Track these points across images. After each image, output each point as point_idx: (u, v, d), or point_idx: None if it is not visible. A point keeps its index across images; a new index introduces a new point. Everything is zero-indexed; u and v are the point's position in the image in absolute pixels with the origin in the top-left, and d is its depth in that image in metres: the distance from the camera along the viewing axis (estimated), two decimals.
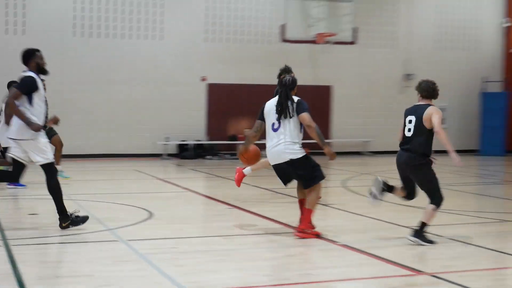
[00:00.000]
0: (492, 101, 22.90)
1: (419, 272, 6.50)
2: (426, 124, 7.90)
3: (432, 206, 7.80)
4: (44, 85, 8.54)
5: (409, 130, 7.97)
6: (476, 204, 12.18)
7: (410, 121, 8.03)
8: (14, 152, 8.41)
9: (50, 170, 8.34)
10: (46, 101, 8.64)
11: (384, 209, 10.01)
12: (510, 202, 12.08)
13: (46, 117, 9.17)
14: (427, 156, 7.88)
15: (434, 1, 23.64)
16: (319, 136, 7.98)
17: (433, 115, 7.90)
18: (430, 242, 7.76)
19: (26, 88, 8.20)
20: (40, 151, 8.25)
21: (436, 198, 7.84)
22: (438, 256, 7.28)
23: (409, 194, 8.24)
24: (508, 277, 6.52)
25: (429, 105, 8.09)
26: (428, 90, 8.16)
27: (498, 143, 22.75)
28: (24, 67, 8.42)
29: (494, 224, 9.50)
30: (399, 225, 9.10)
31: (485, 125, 22.94)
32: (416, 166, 7.86)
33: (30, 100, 8.20)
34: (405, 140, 8.01)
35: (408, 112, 8.17)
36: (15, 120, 8.28)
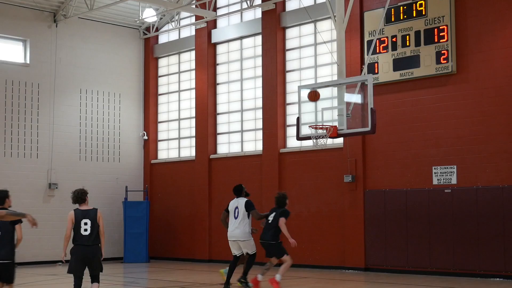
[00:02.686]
0: (135, 209, 23.70)
1: None
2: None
3: None
4: None
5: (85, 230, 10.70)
6: None
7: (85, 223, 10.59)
8: None
9: None
10: None
11: None
12: None
13: None
14: None
15: (77, 113, 24.04)
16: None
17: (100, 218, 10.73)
18: None
19: None
20: None
21: None
22: None
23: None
24: None
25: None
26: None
27: (142, 250, 23.46)
28: None
29: None
30: None
31: (128, 232, 23.53)
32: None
33: None
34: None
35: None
36: None
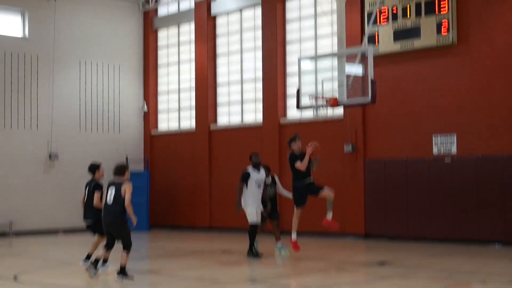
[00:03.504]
0: (135, 180, 23.73)
1: None
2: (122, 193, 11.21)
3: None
4: None
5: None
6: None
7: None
8: None
9: None
10: None
11: None
12: (154, 275, 12.53)
13: None
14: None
15: (77, 84, 24.06)
16: None
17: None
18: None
19: None
20: None
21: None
22: None
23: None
24: None
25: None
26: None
27: (143, 219, 23.60)
28: None
29: None
30: None
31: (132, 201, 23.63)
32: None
33: None
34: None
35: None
36: None
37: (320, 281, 11.10)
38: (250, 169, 14.76)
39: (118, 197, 11.12)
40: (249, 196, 14.60)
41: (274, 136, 21.50)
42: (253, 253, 14.53)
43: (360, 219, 19.28)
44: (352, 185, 19.48)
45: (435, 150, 17.91)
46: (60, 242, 20.01)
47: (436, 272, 12.00)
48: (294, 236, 13.54)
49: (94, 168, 13.34)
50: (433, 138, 17.94)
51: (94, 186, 13.02)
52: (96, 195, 12.77)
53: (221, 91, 23.82)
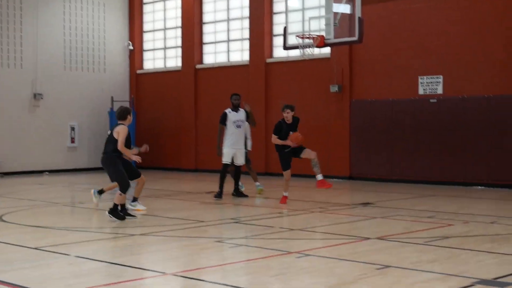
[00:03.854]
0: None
1: None
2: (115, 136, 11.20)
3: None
4: None
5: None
6: (108, 220, 12.44)
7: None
8: None
9: None
10: None
11: (11, 231, 9.97)
12: (140, 216, 12.54)
13: None
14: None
15: (61, 23, 23.67)
16: None
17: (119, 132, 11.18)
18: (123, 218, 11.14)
19: None
20: None
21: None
22: (62, 276, 7.29)
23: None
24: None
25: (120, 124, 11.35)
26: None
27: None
28: None
29: (126, 239, 9.81)
30: (29, 247, 8.92)
31: None
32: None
33: None
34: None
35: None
36: None
37: (304, 222, 11.15)
38: (228, 110, 14.69)
39: (111, 139, 11.30)
40: (227, 137, 14.64)
41: (260, 75, 21.33)
42: (237, 193, 14.63)
43: (345, 161, 19.32)
44: (337, 125, 19.45)
45: (420, 91, 17.83)
46: (46, 182, 20.00)
47: (419, 213, 12.08)
48: (284, 193, 13.60)
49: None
50: (419, 78, 17.84)
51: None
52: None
53: (208, 30, 23.49)
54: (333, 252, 8.42)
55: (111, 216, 11.24)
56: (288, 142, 13.04)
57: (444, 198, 14.63)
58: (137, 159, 11.47)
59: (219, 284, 6.81)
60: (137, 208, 12.45)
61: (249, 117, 14.82)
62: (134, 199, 12.54)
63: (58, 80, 23.50)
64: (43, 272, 7.47)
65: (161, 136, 24.43)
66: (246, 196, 14.77)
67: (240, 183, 15.18)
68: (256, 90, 21.40)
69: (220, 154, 14.74)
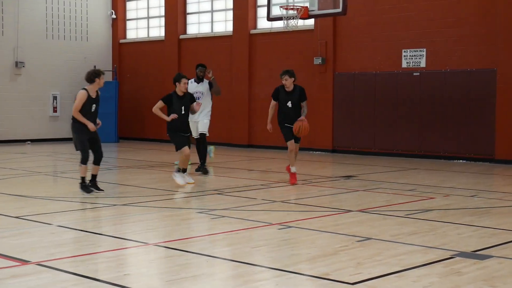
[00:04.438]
0: (104, 89, 23.28)
1: (24, 262, 6.42)
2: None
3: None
4: None
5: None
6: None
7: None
8: None
9: None
10: None
11: None
12: (123, 186, 12.53)
13: None
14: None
15: None
16: None
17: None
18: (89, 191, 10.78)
19: None
20: None
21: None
22: (44, 245, 7.27)
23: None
24: (117, 259, 6.76)
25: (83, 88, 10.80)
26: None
27: (111, 130, 23.47)
28: None
29: (108, 209, 9.80)
30: (10, 216, 8.89)
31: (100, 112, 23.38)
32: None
33: None
34: None
35: None
36: None
37: (286, 194, 11.19)
38: (191, 80, 14.16)
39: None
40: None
41: (244, 46, 21.23)
42: (202, 169, 14.06)
43: (327, 133, 19.36)
44: (321, 98, 19.43)
45: (404, 64, 17.85)
46: (28, 152, 19.88)
47: (400, 186, 12.16)
48: (292, 169, 12.44)
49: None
50: (403, 52, 17.84)
51: None
52: None
53: (191, 0, 23.30)
54: (315, 224, 8.46)
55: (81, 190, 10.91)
56: (294, 128, 12.18)
57: (425, 172, 14.73)
58: (91, 127, 10.71)
59: (201, 254, 6.82)
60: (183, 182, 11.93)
61: (212, 87, 14.29)
62: (181, 170, 12.06)
63: (40, 48, 23.27)
64: (24, 241, 7.45)
65: (143, 106, 24.29)
66: (207, 172, 13.97)
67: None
68: (239, 61, 21.30)
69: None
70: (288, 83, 12.35)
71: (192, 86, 14.11)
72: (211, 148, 15.57)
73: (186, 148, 11.93)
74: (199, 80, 14.30)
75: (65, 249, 7.06)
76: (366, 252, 6.88)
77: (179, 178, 11.92)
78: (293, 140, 12.42)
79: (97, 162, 11.06)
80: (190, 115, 13.72)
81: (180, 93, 11.87)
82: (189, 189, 11.72)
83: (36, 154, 19.15)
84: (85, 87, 10.88)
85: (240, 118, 21.33)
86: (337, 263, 6.42)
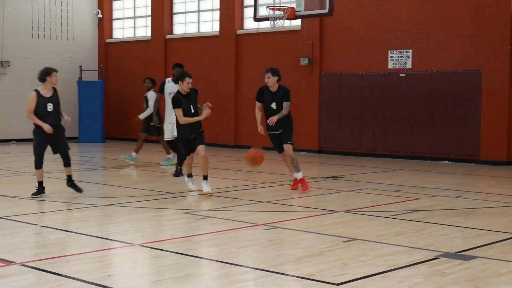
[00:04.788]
0: (90, 89, 23.42)
1: (8, 262, 6.38)
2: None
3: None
4: None
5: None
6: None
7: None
8: None
9: None
10: None
11: None
12: (109, 187, 12.48)
13: None
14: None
15: None
16: None
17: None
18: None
19: None
20: None
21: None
22: (28, 245, 7.23)
23: None
24: (102, 260, 6.74)
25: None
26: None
27: (97, 130, 23.39)
28: None
29: (93, 209, 9.75)
30: None
31: (83, 112, 23.36)
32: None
33: None
34: None
35: None
36: None
37: (272, 194, 11.18)
38: (168, 79, 14.03)
39: None
40: (166, 111, 14.01)
41: (231, 47, 21.21)
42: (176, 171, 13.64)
43: (314, 134, 19.38)
44: (307, 98, 19.45)
45: (390, 65, 17.90)
46: (13, 151, 19.76)
47: (386, 186, 12.19)
48: (295, 175, 11.53)
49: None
50: (389, 53, 17.89)
51: None
52: None
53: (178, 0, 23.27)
54: (301, 224, 8.46)
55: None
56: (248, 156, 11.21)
57: (411, 172, 14.77)
58: (47, 128, 10.40)
59: (186, 255, 6.81)
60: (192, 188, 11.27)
61: None
62: (190, 175, 11.35)
63: (26, 48, 23.13)
64: (9, 241, 7.41)
65: (129, 106, 24.21)
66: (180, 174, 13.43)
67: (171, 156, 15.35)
68: (226, 62, 21.29)
69: (156, 123, 14.53)
70: (271, 81, 11.45)
71: (169, 86, 13.86)
72: (172, 159, 15.59)
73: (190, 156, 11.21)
74: (174, 80, 13.78)
75: (49, 249, 7.02)
76: (352, 253, 6.89)
77: (190, 183, 11.26)
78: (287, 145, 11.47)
79: (66, 164, 10.85)
80: (167, 116, 13.72)
81: (183, 92, 10.99)
82: (176, 189, 11.69)
83: (21, 154, 19.03)
84: (37, 88, 10.64)
85: (227, 118, 21.31)
86: (323, 264, 6.42)
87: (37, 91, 10.59)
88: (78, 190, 10.94)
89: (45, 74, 10.58)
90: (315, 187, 12.26)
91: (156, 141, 16.66)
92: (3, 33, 22.54)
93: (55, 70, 10.73)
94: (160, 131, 15.43)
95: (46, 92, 10.62)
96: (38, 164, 10.61)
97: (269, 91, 11.59)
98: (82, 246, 7.25)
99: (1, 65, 22.46)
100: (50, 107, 10.58)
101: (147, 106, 15.96)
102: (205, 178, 10.95)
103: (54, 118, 10.61)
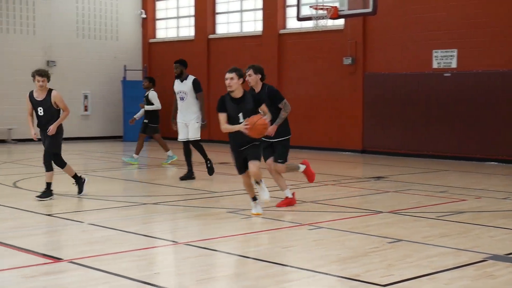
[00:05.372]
0: (134, 89, 23.64)
1: (57, 259, 6.48)
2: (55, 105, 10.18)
3: None
4: None
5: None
6: (121, 188, 12.51)
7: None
8: None
9: None
10: None
11: (24, 198, 10.06)
12: (153, 185, 12.58)
13: None
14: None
15: None
16: None
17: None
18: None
19: None
20: None
21: None
22: (75, 242, 7.33)
23: None
24: (148, 258, 6.80)
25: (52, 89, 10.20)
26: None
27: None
28: None
29: (138, 207, 9.84)
30: (42, 214, 8.98)
31: (127, 111, 23.59)
32: None
33: None
34: None
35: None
36: None
37: (316, 194, 11.15)
38: (176, 79, 13.15)
39: None
40: (179, 109, 13.14)
41: (273, 46, 21.22)
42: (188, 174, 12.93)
43: (357, 134, 19.26)
44: (350, 98, 19.35)
45: (434, 64, 17.69)
46: None
47: (431, 187, 12.05)
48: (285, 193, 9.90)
49: None
50: (433, 52, 17.68)
51: None
52: None
53: None
54: (345, 225, 8.42)
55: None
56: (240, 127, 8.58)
57: (456, 173, 14.58)
58: (31, 134, 10.27)
59: (231, 254, 6.83)
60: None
61: (196, 88, 13.00)
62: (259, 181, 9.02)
63: (71, 47, 23.48)
64: (56, 238, 7.53)
65: (172, 105, 24.34)
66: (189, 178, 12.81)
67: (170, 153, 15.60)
68: (268, 61, 21.28)
69: (174, 125, 13.49)
70: (252, 80, 9.45)
71: (176, 85, 13.12)
72: (174, 157, 15.74)
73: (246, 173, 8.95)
74: (179, 78, 13.03)
75: (96, 247, 7.10)
76: (397, 254, 6.83)
77: (255, 208, 9.13)
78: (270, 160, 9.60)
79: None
80: (179, 114, 12.84)
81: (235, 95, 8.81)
82: (221, 188, 11.71)
83: (67, 152, 19.27)
84: (33, 89, 10.38)
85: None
86: (368, 265, 6.38)
87: (30, 93, 10.32)
88: (41, 197, 10.16)
89: (32, 76, 10.18)
90: (359, 187, 12.19)
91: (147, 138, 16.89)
92: (50, 34, 22.91)
93: (39, 74, 10.13)
94: (157, 129, 15.83)
95: (38, 95, 10.25)
96: (63, 162, 10.54)
97: (253, 91, 9.41)
98: (128, 244, 7.33)
99: (47, 65, 22.82)
100: (40, 110, 10.21)
101: (148, 105, 16.19)
102: (253, 199, 9.13)
103: (45, 122, 10.20)
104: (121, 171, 14.82)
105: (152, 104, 16.07)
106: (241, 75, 8.86)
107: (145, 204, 10.08)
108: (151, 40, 25.34)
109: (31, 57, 22.58)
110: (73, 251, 6.85)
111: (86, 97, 23.83)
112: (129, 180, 13.37)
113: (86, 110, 23.87)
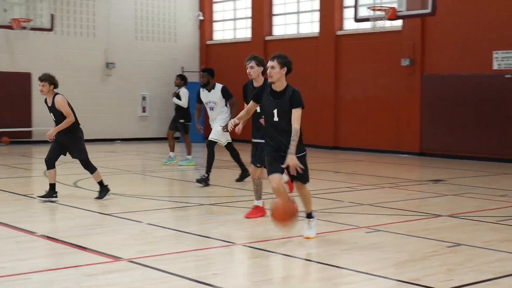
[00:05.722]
0: (191, 90, 23.67)
1: (116, 258, 6.58)
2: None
3: None
4: None
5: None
6: (177, 189, 12.64)
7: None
8: None
9: None
10: None
11: (83, 197, 10.25)
12: (209, 186, 12.67)
13: None
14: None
15: None
16: None
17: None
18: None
19: None
20: None
21: None
22: (135, 242, 7.43)
23: None
24: (205, 258, 6.86)
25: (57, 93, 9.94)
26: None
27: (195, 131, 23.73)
28: None
29: (194, 208, 9.93)
30: (102, 213, 9.14)
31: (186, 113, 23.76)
32: None
33: None
34: None
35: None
36: None
37: (374, 197, 11.06)
38: (202, 88, 12.83)
39: None
40: (210, 118, 12.92)
41: (330, 48, 21.12)
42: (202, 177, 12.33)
43: (415, 136, 19.02)
44: (408, 100, 19.12)
45: (495, 66, 17.34)
46: (117, 150, 20.38)
47: (491, 191, 11.82)
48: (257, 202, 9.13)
49: None
50: (494, 53, 17.33)
51: None
52: None
53: (277, 1, 23.37)
54: (403, 228, 8.32)
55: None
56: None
57: None
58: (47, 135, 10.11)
59: (288, 256, 6.83)
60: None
61: (226, 95, 12.69)
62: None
63: (130, 49, 23.84)
64: (114, 238, 7.64)
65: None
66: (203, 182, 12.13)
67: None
68: (325, 63, 21.21)
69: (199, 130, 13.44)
70: (254, 72, 8.90)
71: (203, 95, 12.75)
72: (191, 160, 15.78)
73: (274, 177, 7.49)
74: (205, 87, 12.75)
75: (154, 247, 7.18)
76: (457, 258, 6.72)
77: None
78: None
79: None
80: (212, 124, 12.55)
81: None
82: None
83: (125, 153, 19.62)
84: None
85: (326, 120, 21.23)
86: (427, 269, 6.29)
87: (45, 99, 10.08)
88: (45, 197, 10.04)
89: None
90: (417, 190, 12.03)
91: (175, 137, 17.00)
92: (109, 36, 23.30)
93: (39, 78, 9.94)
94: (187, 129, 15.97)
95: (48, 101, 10.07)
96: (47, 166, 10.12)
97: (252, 86, 9.12)
98: (186, 244, 7.39)
99: (107, 67, 23.23)
100: (52, 116, 10.10)
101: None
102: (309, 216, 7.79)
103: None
104: (180, 172, 14.96)
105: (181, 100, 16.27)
106: (259, 62, 8.68)
107: (202, 204, 10.16)
108: (208, 42, 25.53)
109: (91, 59, 23.01)
110: (132, 251, 6.94)
111: (144, 98, 24.16)
112: (186, 181, 13.48)
113: (144, 111, 24.19)
